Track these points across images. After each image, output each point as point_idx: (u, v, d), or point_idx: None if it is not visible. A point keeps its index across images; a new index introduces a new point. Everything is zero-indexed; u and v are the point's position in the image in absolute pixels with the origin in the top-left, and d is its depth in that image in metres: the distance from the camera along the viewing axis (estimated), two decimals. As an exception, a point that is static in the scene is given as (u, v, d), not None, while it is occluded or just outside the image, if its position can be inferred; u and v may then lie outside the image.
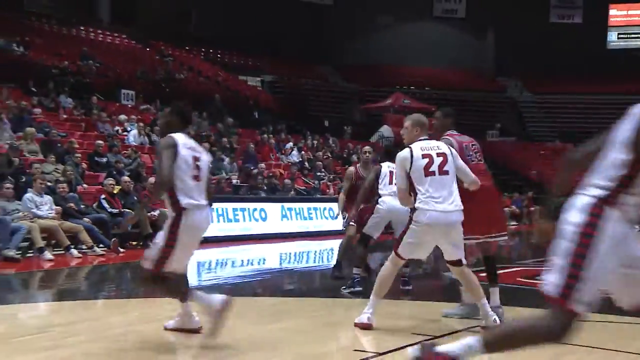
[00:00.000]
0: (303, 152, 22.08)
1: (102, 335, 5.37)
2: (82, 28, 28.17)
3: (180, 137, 5.22)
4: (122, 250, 11.83)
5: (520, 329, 3.35)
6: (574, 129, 33.95)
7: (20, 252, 10.45)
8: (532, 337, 3.24)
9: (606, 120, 4.61)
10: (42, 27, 26.22)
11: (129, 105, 20.87)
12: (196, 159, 5.23)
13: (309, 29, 35.16)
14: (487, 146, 6.63)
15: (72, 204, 11.95)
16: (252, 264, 12.48)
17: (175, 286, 5.35)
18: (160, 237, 5.10)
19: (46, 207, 11.18)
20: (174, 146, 5.11)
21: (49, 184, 11.96)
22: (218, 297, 5.08)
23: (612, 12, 40.23)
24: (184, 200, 5.06)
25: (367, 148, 9.37)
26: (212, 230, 14.22)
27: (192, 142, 5.32)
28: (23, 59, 20.93)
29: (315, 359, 4.89)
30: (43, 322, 5.17)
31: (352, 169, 9.07)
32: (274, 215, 16.20)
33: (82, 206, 12.29)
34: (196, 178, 5.19)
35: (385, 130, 28.14)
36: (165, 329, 5.43)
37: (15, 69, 19.44)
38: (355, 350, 5.17)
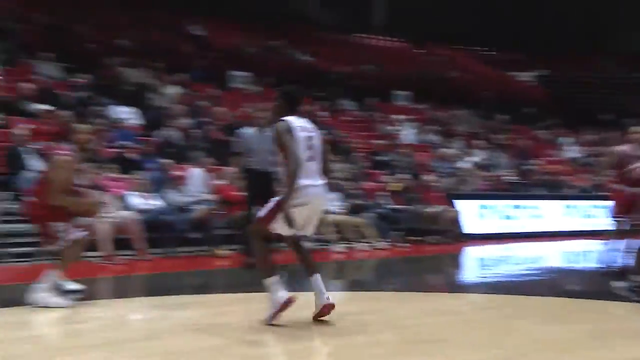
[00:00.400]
0: (581, 148, 21.03)
1: (392, 325, 5.54)
2: (359, 35, 29.44)
3: (292, 120, 5.23)
4: (405, 244, 12.26)
5: None
6: None
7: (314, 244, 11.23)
8: None
9: None
10: (326, 37, 27.75)
11: (405, 106, 21.38)
12: (309, 138, 5.22)
13: (585, 19, 33.30)
14: None
15: (357, 200, 12.60)
16: (531, 262, 12.12)
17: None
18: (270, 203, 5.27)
19: (335, 202, 11.92)
20: (290, 130, 5.15)
21: (337, 181, 12.73)
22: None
23: None
24: (301, 182, 5.10)
25: (636, 128, 8.27)
26: (489, 227, 14.41)
27: (303, 122, 5.29)
28: (311, 67, 22.31)
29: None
30: (336, 311, 5.50)
31: (620, 147, 8.17)
32: (552, 213, 15.66)
33: (366, 202, 12.90)
34: (311, 158, 5.20)
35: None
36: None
37: (305, 76, 20.79)
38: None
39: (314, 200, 5.29)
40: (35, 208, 6.12)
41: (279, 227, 5.29)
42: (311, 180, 5.22)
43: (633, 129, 8.33)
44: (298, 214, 5.22)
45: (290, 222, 5.22)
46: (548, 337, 5.32)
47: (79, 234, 6.04)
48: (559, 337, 5.34)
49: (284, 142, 5.16)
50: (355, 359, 4.58)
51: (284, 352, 4.89)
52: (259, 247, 5.39)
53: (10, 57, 15.25)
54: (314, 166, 5.26)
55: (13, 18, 16.82)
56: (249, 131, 8.97)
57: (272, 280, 5.26)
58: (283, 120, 5.27)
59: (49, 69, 14.93)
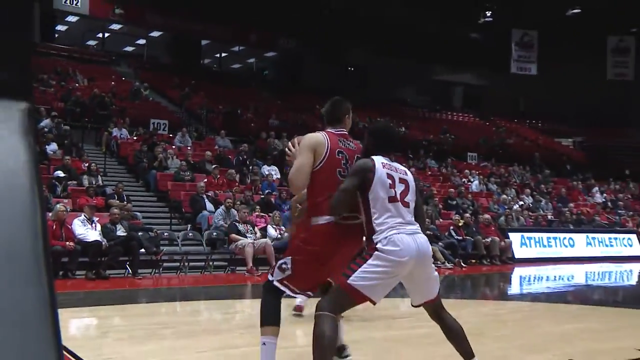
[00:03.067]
0: (606, 195, 19.77)
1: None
2: (442, 112, 29.23)
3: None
4: (464, 266, 11.95)
5: None
6: None
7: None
8: None
9: None
10: (415, 114, 27.79)
11: (473, 164, 20.96)
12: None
13: (612, 100, 31.32)
14: None
15: (430, 233, 12.44)
16: (562, 279, 11.56)
17: None
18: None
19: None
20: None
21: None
22: None
23: None
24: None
25: None
26: (531, 253, 13.76)
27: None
28: (404, 136, 22.33)
29: None
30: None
31: None
32: (580, 243, 14.80)
33: (438, 234, 12.72)
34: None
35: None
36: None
37: (400, 143, 20.81)
38: None
39: None
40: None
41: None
42: None
43: None
44: None
45: None
46: (560, 332, 5.14)
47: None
48: (569, 332, 5.14)
49: None
50: (412, 345, 4.52)
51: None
52: None
53: (200, 135, 16.41)
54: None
55: (203, 108, 18.13)
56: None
57: None
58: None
59: (223, 142, 15.91)
